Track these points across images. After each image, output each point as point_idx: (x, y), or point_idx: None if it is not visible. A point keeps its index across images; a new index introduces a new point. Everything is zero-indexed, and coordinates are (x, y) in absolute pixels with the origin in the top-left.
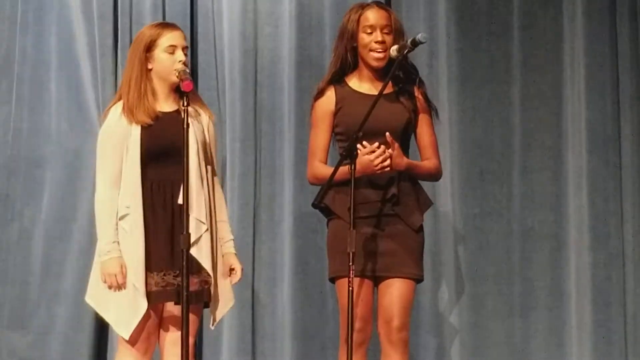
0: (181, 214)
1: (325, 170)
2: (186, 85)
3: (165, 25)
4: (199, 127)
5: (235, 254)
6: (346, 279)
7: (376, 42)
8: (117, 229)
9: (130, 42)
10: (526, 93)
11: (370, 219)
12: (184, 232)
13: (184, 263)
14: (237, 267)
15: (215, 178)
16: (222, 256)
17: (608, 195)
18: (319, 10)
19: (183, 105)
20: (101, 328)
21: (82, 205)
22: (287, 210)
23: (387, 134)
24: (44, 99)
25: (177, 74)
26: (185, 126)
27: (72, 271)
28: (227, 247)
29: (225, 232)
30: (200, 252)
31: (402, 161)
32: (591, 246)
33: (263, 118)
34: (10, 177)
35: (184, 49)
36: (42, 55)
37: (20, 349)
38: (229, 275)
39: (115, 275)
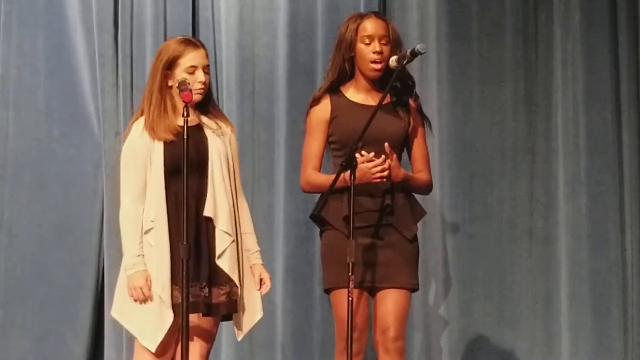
0: (206, 225)
1: (318, 178)
2: (185, 96)
3: (189, 42)
4: (221, 140)
5: (263, 264)
6: (342, 290)
7: (374, 53)
8: (142, 242)
9: (131, 52)
10: (517, 96)
11: (365, 229)
12: (183, 242)
13: (183, 273)
14: (266, 277)
15: (239, 190)
16: (250, 267)
17: (608, 202)
18: (311, 17)
19: (183, 116)
20: (97, 336)
21: (79, 213)
22: (280, 218)
23: (386, 144)
24: (33, 103)
25: (176, 84)
26: (185, 137)
27: (66, 277)
28: (254, 258)
29: (252, 244)
30: (227, 264)
31: (400, 172)
32: (590, 253)
33: (260, 127)
34: None
35: (204, 68)
36: (29, 59)
37: (14, 354)
38: (259, 286)
39: (141, 288)
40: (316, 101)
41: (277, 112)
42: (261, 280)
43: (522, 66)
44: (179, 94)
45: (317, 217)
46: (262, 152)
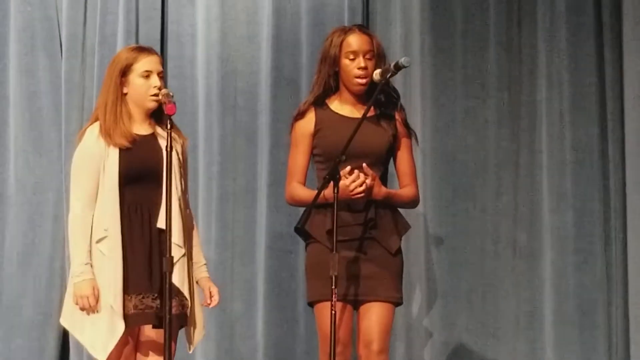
0: (159, 236)
1: (302, 192)
2: (169, 109)
3: (142, 49)
4: (174, 151)
5: (209, 277)
6: (325, 303)
7: (359, 69)
8: (90, 250)
9: (100, 76)
10: (501, 110)
11: (348, 243)
12: (167, 255)
13: (167, 286)
14: (215, 290)
15: (187, 202)
16: (197, 281)
17: (593, 217)
18: (296, 31)
19: (166, 129)
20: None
21: (43, 241)
22: (263, 231)
23: (364, 164)
24: (4, 134)
25: (160, 97)
26: (168, 149)
27: (32, 304)
28: (201, 271)
29: (199, 257)
30: (177, 276)
31: (381, 190)
32: (576, 268)
33: (242, 140)
34: None
35: (159, 73)
36: (2, 91)
37: None
38: (209, 300)
39: (88, 297)
40: (301, 114)
41: (260, 125)
42: (210, 293)
43: (506, 80)
44: (163, 106)
45: (301, 231)
46: (245, 166)
